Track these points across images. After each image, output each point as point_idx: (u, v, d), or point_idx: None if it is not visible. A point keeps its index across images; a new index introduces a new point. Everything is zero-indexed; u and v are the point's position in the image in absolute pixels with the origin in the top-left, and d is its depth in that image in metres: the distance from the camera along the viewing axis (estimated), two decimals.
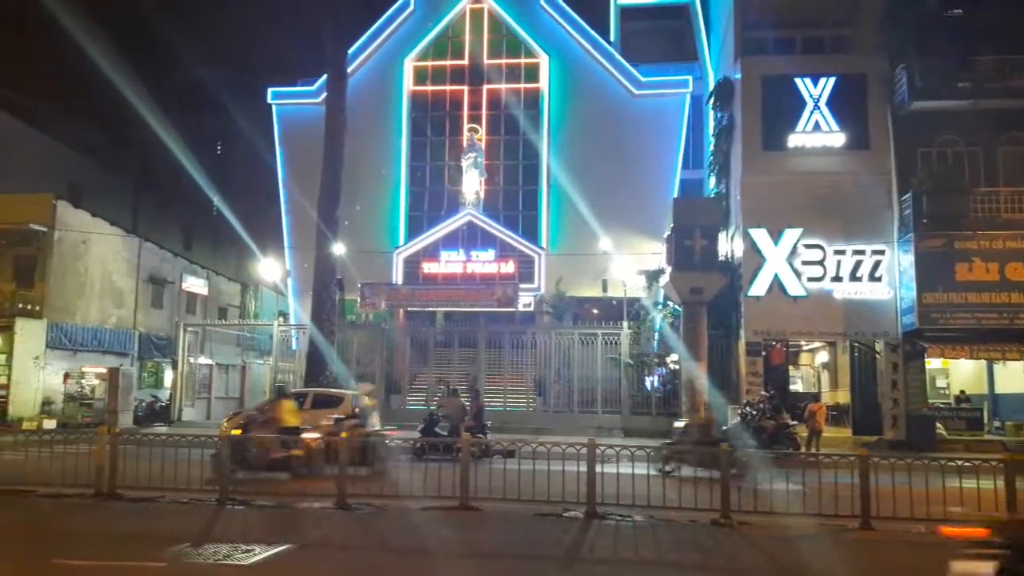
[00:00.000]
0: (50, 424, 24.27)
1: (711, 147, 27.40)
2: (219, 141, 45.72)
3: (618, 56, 32.75)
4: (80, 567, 7.61)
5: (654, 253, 27.71)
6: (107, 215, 29.94)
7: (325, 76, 26.79)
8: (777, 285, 22.14)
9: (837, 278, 22.02)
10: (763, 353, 22.71)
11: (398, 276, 31.88)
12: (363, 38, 33.34)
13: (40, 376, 25.83)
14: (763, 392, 20.21)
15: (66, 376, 26.70)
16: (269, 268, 30.82)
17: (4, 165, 28.67)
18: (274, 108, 34.25)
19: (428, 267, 32.08)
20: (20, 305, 25.54)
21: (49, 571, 7.61)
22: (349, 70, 27.30)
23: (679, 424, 18.27)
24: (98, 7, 30.93)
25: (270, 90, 34.36)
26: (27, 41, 35.35)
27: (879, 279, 21.88)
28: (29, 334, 25.56)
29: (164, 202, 39.27)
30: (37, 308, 25.99)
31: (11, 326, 25.13)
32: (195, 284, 35.59)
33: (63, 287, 27.25)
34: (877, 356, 22.22)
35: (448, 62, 34.10)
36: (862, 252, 22.00)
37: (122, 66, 30.37)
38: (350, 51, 28.55)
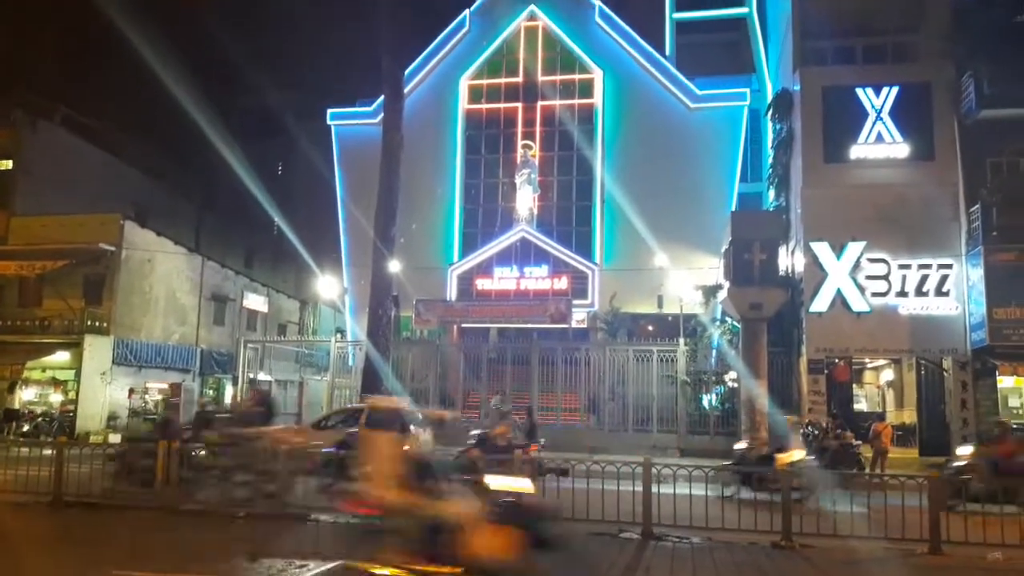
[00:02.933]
0: (115, 438, 24.98)
1: (770, 160, 26.92)
2: (280, 162, 46.86)
3: (673, 70, 32.49)
4: None
5: (711, 268, 27.26)
6: (172, 235, 30.84)
7: (382, 97, 27.17)
8: (840, 300, 21.54)
9: (902, 293, 21.33)
10: (826, 371, 22.07)
11: (452, 293, 32.03)
12: (419, 58, 33.80)
13: (106, 391, 26.62)
14: (828, 417, 19.55)
15: (131, 391, 27.49)
16: (327, 286, 31.31)
17: (75, 186, 29.78)
18: (333, 129, 34.92)
19: (481, 283, 32.17)
20: (89, 322, 26.39)
21: None
22: (406, 90, 27.68)
23: (740, 446, 17.58)
24: (165, 33, 31.99)
25: (329, 111, 35.07)
26: (97, 66, 36.86)
27: (946, 294, 21.12)
28: (97, 350, 26.39)
29: (226, 221, 40.29)
30: (105, 325, 26.83)
31: (80, 343, 25.97)
32: (256, 301, 36.34)
33: (129, 304, 28.09)
34: (945, 374, 21.40)
35: (502, 80, 34.31)
36: (928, 266, 21.28)
37: (187, 90, 31.32)
38: (407, 71, 28.94)
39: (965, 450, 15.85)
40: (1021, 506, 10.08)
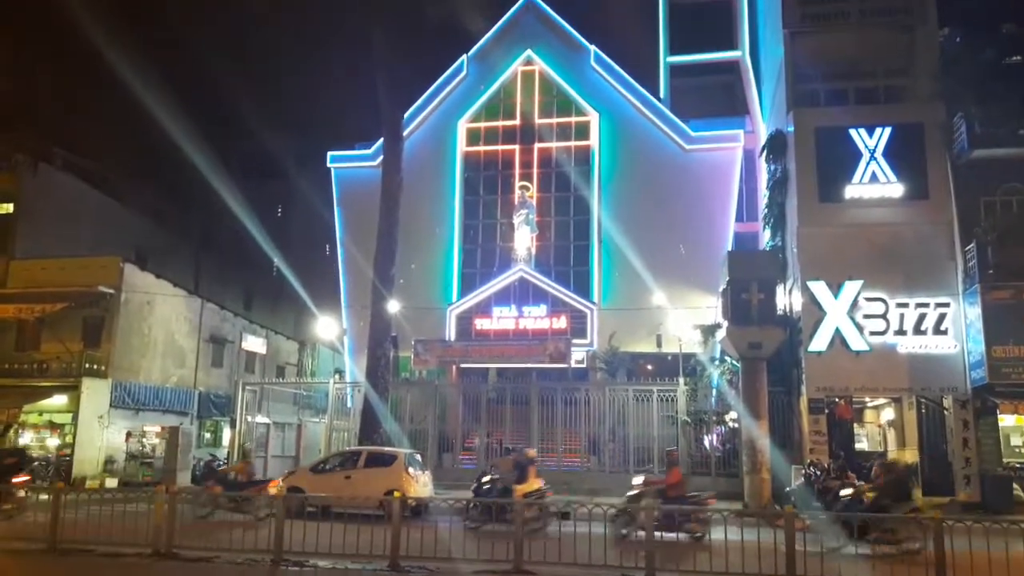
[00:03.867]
0: (112, 482, 24.81)
1: (765, 200, 27.17)
2: (280, 203, 47.14)
3: (668, 112, 32.92)
4: None
5: (708, 307, 27.33)
6: (171, 277, 30.90)
7: (382, 140, 27.50)
8: (839, 340, 21.57)
9: (901, 332, 21.37)
10: (826, 411, 22.00)
11: (451, 333, 32.04)
12: (418, 102, 34.25)
13: (103, 435, 26.43)
14: (831, 458, 19.45)
15: (128, 435, 27.30)
16: (326, 326, 31.29)
17: (76, 229, 29.95)
18: (333, 171, 35.21)
19: (480, 323, 32.18)
20: (87, 365, 26.31)
21: None
22: (404, 133, 28.03)
23: (486, 477, 17.49)
24: (167, 77, 32.50)
25: (329, 154, 35.40)
26: (99, 109, 37.24)
27: (945, 332, 21.16)
28: (94, 393, 26.27)
29: (226, 263, 40.41)
30: (103, 368, 26.75)
31: (78, 386, 25.86)
32: (254, 343, 36.28)
33: (128, 347, 28.03)
34: (946, 413, 21.34)
35: (500, 123, 34.73)
36: (926, 305, 21.36)
37: (188, 133, 31.74)
38: (406, 115, 29.31)
39: (638, 479, 16.23)
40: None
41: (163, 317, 29.89)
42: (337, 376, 30.19)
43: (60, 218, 29.61)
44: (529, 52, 34.34)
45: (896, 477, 13.85)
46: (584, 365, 30.93)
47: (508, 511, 12.95)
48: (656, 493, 14.26)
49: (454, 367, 31.07)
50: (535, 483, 16.13)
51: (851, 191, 22.33)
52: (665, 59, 34.51)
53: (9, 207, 29.14)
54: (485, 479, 17.54)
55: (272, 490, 15.14)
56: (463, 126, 34.67)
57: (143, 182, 38.10)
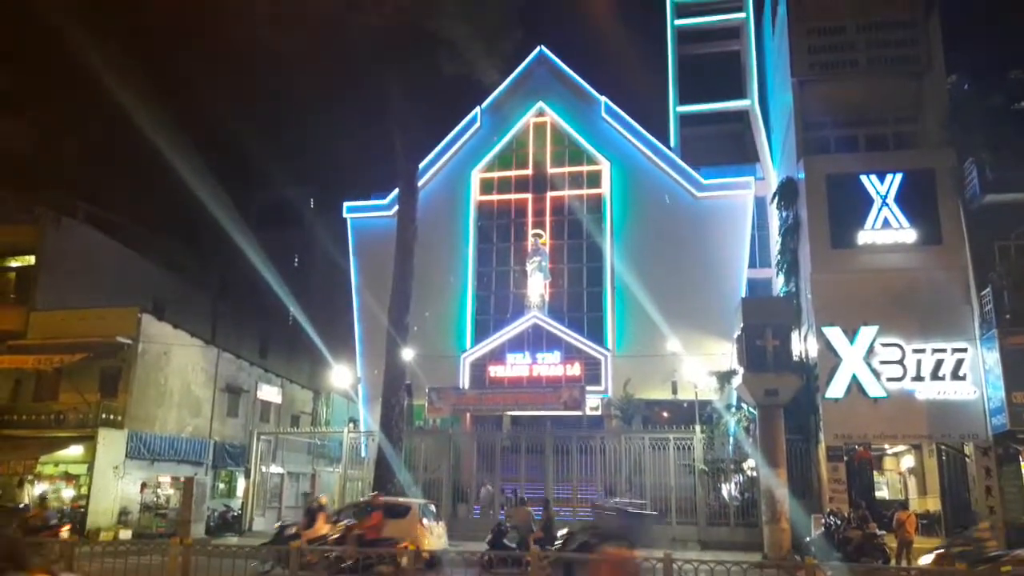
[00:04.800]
0: (126, 534, 24.70)
1: (778, 246, 27.21)
2: (296, 253, 47.66)
3: (678, 160, 33.24)
4: None
5: (724, 354, 27.19)
6: (188, 326, 31.14)
7: (397, 190, 27.88)
8: (856, 386, 21.39)
9: (918, 377, 21.17)
10: (845, 458, 21.73)
11: (465, 380, 32.00)
12: (433, 153, 34.79)
13: (118, 486, 26.41)
14: (851, 507, 19.14)
15: (143, 486, 27.25)
16: (341, 375, 31.36)
17: (95, 280, 30.32)
18: (349, 221, 35.65)
19: (494, 370, 32.14)
20: (104, 415, 26.41)
21: None
22: (419, 184, 28.42)
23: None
24: (186, 129, 33.27)
25: (346, 204, 35.89)
26: (120, 161, 38.09)
27: (963, 378, 20.94)
28: (110, 444, 26.32)
29: (242, 311, 40.73)
30: (119, 418, 26.83)
31: (94, 436, 25.92)
32: (270, 392, 36.33)
33: (144, 397, 28.15)
34: (967, 460, 21.01)
35: (513, 172, 35.17)
36: (943, 350, 21.19)
37: (206, 184, 32.38)
38: (420, 166, 29.75)
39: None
40: None
41: (180, 367, 30.06)
42: (351, 425, 30.15)
43: (81, 269, 30.04)
44: (541, 104, 34.92)
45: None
46: (599, 412, 30.74)
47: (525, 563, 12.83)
48: (356, 539, 14.50)
49: (468, 415, 30.98)
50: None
51: (864, 237, 22.36)
52: (675, 109, 34.96)
53: (31, 259, 29.61)
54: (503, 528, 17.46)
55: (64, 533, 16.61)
56: (477, 175, 35.13)
57: (164, 233, 38.73)
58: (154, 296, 32.91)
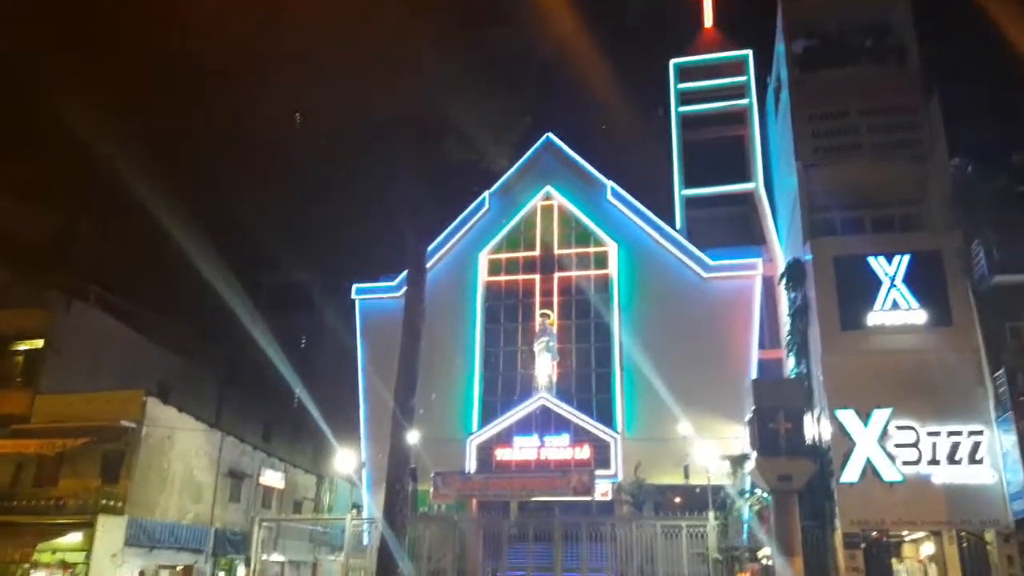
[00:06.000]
0: None
1: (787, 327, 27.03)
2: (304, 334, 47.65)
3: (685, 242, 33.45)
4: None
5: (736, 437, 26.70)
6: (193, 410, 30.96)
7: (406, 272, 28.03)
8: (871, 470, 20.82)
9: (934, 461, 20.62)
10: (862, 545, 21.00)
11: (471, 463, 31.42)
12: (441, 236, 35.15)
13: (116, 574, 25.73)
14: None
15: (141, 574, 26.57)
16: (345, 460, 30.86)
17: (102, 363, 30.32)
18: (357, 303, 35.77)
19: (501, 453, 31.59)
20: (104, 501, 25.98)
21: None
22: (428, 266, 28.59)
23: None
24: (195, 212, 33.71)
25: (354, 286, 36.07)
26: (124, 246, 38.49)
27: (980, 462, 20.39)
28: (109, 531, 25.79)
29: (248, 394, 40.49)
30: (120, 504, 26.38)
31: (93, 523, 25.44)
32: (273, 478, 35.77)
33: (146, 483, 27.73)
34: (988, 547, 20.27)
35: (520, 254, 35.43)
36: (958, 433, 20.70)
37: (215, 268, 32.65)
38: (429, 248, 29.99)
39: None
40: None
41: (183, 451, 29.70)
42: (355, 511, 29.51)
43: (89, 352, 30.09)
44: (548, 188, 35.46)
45: None
46: (609, 498, 30.02)
47: None
48: None
49: (474, 500, 30.30)
50: None
51: (873, 318, 22.18)
52: (680, 192, 35.43)
53: (39, 343, 29.70)
54: None
55: None
56: (484, 257, 35.38)
57: (172, 316, 38.88)
58: (160, 379, 32.84)
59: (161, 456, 28.61)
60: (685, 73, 37.28)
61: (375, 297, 35.50)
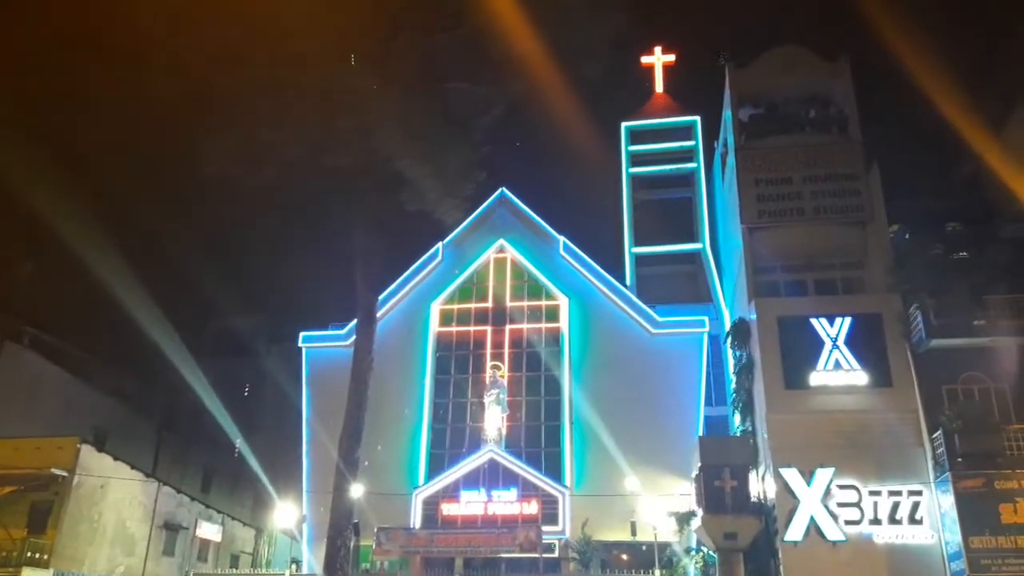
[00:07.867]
0: None
1: (733, 384, 27.49)
2: (247, 381, 46.54)
3: (634, 298, 33.92)
4: None
5: (682, 494, 26.81)
6: (129, 457, 29.80)
7: (355, 321, 27.79)
8: (814, 529, 21.16)
9: (876, 521, 21.07)
10: None
11: (416, 518, 30.78)
12: (393, 286, 34.95)
13: None
14: None
15: None
16: (285, 512, 30.02)
17: (36, 408, 29.17)
18: (304, 351, 35.16)
19: (447, 508, 31.02)
20: (29, 554, 24.70)
21: None
22: (379, 315, 28.41)
23: None
24: (137, 257, 33.03)
25: (302, 334, 35.41)
26: (60, 286, 37.36)
27: (920, 522, 20.89)
28: None
29: (187, 442, 39.27)
30: (45, 557, 25.09)
31: None
32: (209, 530, 34.47)
33: (75, 534, 26.49)
34: None
35: (472, 305, 35.44)
36: (899, 492, 21.24)
37: (154, 312, 31.89)
38: (380, 297, 29.82)
39: None
40: None
41: (116, 501, 28.51)
42: (294, 567, 28.59)
43: (21, 397, 28.99)
44: (501, 241, 35.71)
45: None
46: (556, 555, 29.68)
47: None
48: None
49: (418, 556, 29.63)
50: None
51: (816, 378, 22.74)
52: (631, 249, 36.05)
53: None
54: None
55: None
56: (436, 308, 35.28)
57: (110, 359, 37.66)
58: (96, 424, 31.71)
59: (92, 506, 27.41)
60: (636, 136, 38.30)
61: (323, 345, 34.97)
